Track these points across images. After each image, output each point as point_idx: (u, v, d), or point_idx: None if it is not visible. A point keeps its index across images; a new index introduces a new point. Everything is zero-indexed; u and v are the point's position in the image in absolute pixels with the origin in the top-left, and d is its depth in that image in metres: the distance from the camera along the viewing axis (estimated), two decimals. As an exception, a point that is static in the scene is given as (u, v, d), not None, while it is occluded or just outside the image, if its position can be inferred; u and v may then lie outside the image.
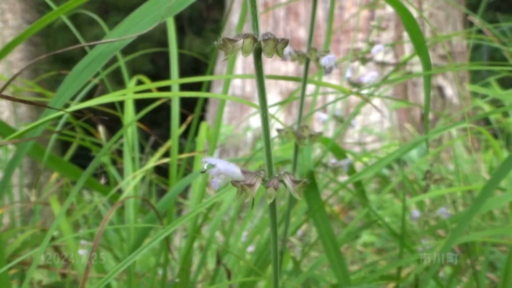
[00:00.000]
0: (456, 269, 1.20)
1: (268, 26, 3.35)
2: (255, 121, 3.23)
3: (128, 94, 0.74)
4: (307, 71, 0.70)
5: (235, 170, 0.50)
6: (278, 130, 0.72)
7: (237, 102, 3.60)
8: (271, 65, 3.30)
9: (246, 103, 0.63)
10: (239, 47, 0.43)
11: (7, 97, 0.53)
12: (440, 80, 3.28)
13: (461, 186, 1.91)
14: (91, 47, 0.68)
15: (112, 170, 1.42)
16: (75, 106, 0.60)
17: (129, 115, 1.07)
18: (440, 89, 3.27)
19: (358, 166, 2.79)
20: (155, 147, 2.17)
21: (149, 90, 1.03)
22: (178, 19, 5.86)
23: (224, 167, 0.50)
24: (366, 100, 0.75)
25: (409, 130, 3.10)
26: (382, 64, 3.15)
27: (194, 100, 1.04)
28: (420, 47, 0.75)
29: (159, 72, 6.65)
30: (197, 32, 7.13)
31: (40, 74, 4.76)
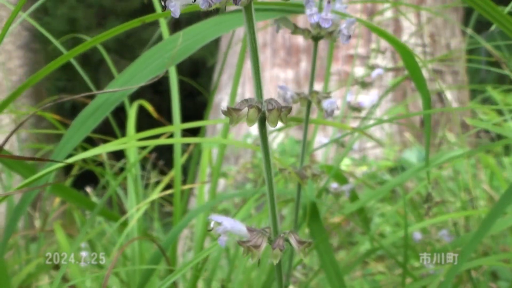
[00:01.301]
0: (457, 280, 1.20)
1: (267, 33, 3.35)
2: (255, 129, 3.23)
3: (131, 142, 0.75)
4: (308, 113, 0.71)
5: (241, 228, 0.51)
6: (281, 170, 0.72)
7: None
8: (270, 72, 3.30)
9: (250, 147, 0.64)
10: (243, 116, 0.44)
11: (9, 156, 0.54)
12: (439, 85, 3.29)
13: (461, 192, 1.91)
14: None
15: (114, 185, 1.43)
16: (76, 157, 0.61)
17: (132, 156, 1.08)
18: (439, 93, 3.28)
19: (359, 172, 2.80)
20: (157, 158, 2.18)
21: (152, 121, 1.04)
22: (177, 24, 5.86)
23: (231, 225, 0.51)
24: (366, 135, 0.76)
25: (409, 134, 3.10)
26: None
27: (195, 109, 1.04)
28: (420, 83, 0.76)
29: (161, 79, 6.64)
30: (195, 35, 7.10)
31: (39, 80, 4.75)
